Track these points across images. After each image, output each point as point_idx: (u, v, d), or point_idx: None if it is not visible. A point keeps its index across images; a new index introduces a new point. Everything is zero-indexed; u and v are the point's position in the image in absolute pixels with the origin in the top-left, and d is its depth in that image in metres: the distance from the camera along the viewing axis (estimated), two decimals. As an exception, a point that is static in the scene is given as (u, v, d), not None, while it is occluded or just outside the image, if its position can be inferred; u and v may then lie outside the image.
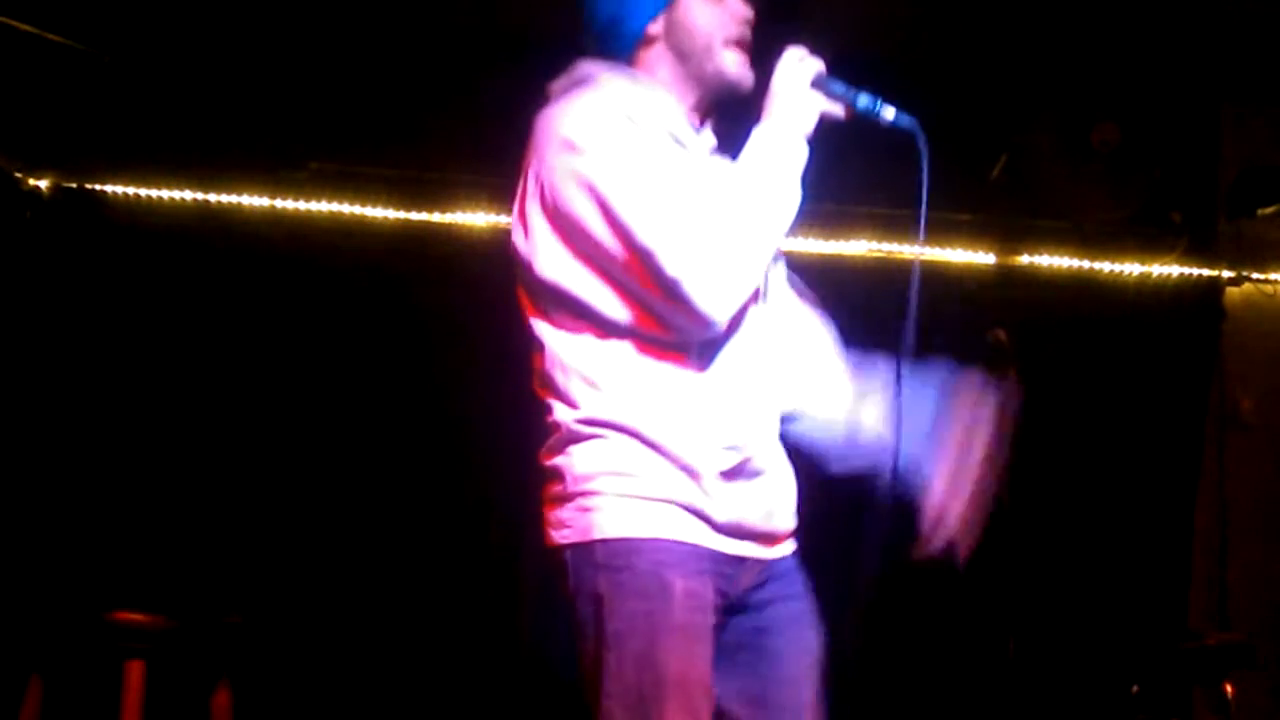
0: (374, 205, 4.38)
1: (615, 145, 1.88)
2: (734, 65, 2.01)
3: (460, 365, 4.35)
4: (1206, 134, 4.85)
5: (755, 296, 1.97)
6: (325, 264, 4.30)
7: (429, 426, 4.32)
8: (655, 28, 2.01)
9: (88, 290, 4.16)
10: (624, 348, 1.92)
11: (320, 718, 4.13)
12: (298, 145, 4.32)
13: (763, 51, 2.00)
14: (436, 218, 4.42)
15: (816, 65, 1.97)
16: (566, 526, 1.93)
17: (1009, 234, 4.69)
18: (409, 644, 4.21)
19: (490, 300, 4.33)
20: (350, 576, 4.18)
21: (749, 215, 1.89)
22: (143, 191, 4.27)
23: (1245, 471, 4.87)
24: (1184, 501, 4.80)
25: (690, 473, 1.89)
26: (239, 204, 4.30)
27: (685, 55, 2.01)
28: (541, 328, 1.98)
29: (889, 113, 1.95)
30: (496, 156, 4.32)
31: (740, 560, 1.95)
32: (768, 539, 2.00)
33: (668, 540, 1.88)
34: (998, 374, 2.12)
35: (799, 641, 2.02)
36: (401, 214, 4.40)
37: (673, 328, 1.89)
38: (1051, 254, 4.76)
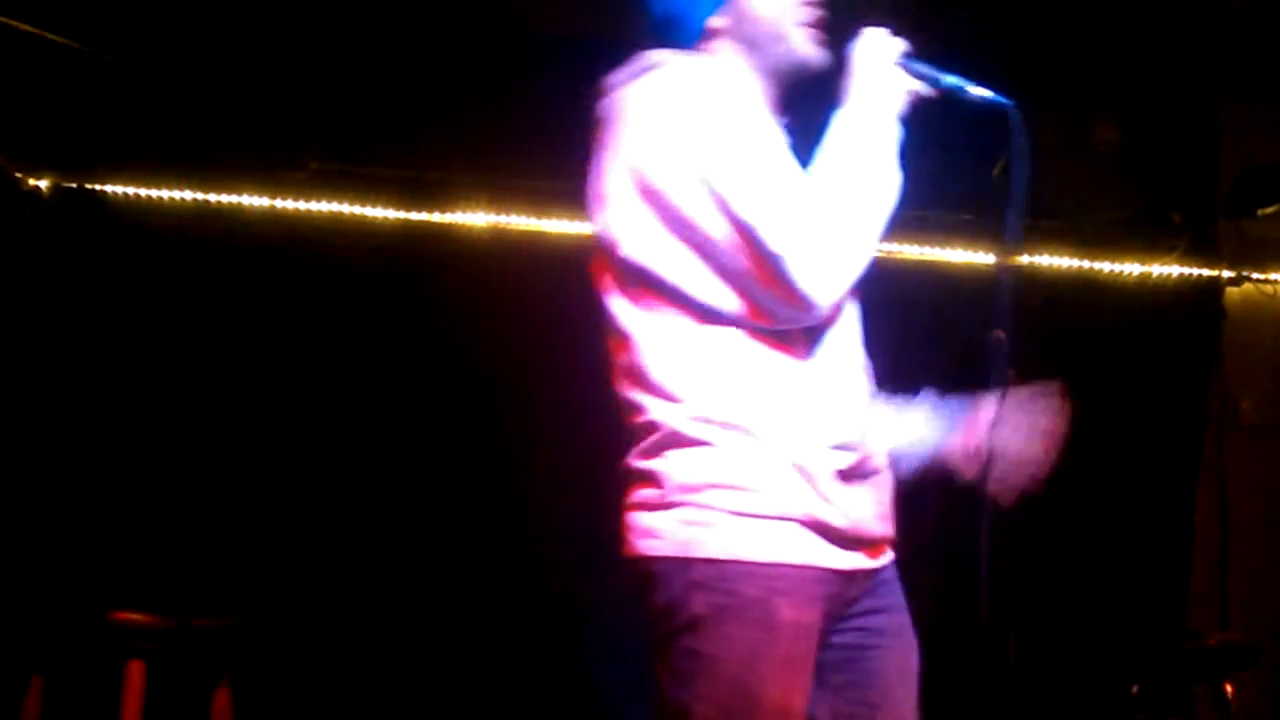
0: (374, 205, 4.38)
1: (710, 116, 1.78)
2: (806, 43, 1.91)
3: (460, 365, 4.35)
4: (1206, 134, 4.85)
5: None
6: (325, 264, 4.30)
7: (429, 426, 4.32)
8: (719, 21, 1.93)
9: (88, 290, 4.16)
10: (724, 337, 1.81)
11: (320, 718, 4.13)
12: (298, 145, 4.31)
13: (836, 39, 1.93)
14: (436, 218, 4.42)
15: (899, 44, 1.89)
16: (658, 537, 1.82)
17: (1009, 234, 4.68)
18: (409, 644, 4.21)
19: (490, 300, 4.39)
20: (350, 577, 4.18)
21: (853, 195, 1.77)
22: (143, 191, 4.26)
23: (1245, 471, 4.87)
24: (1184, 502, 4.80)
25: (807, 476, 1.79)
26: (239, 204, 4.30)
27: (754, 44, 1.92)
28: (629, 315, 1.86)
29: (978, 91, 1.87)
30: (496, 156, 4.39)
31: (851, 574, 1.85)
32: (878, 545, 1.91)
33: (781, 565, 1.77)
34: (998, 375, 2.12)
35: (897, 658, 1.94)
36: (401, 214, 4.40)
37: (772, 312, 1.78)
38: (1051, 254, 4.76)
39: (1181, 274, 4.87)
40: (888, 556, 1.94)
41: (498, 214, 4.40)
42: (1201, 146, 4.84)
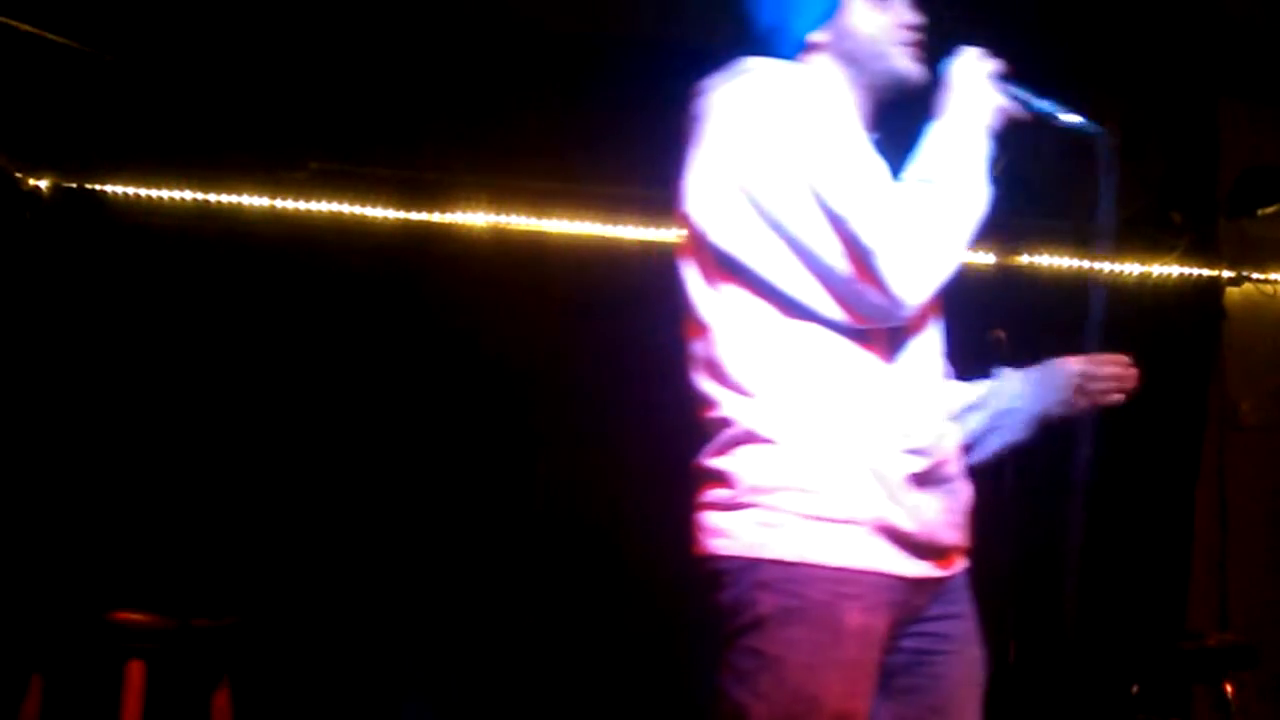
0: (374, 205, 4.38)
1: (808, 115, 1.81)
2: (905, 61, 1.95)
3: (460, 365, 4.35)
4: (1206, 134, 4.85)
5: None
6: (325, 264, 4.30)
7: (428, 426, 4.32)
8: (820, 35, 1.96)
9: (88, 290, 4.16)
10: (806, 333, 1.82)
11: (320, 718, 4.13)
12: (298, 145, 4.31)
13: (933, 56, 1.97)
14: (436, 218, 4.42)
15: (995, 64, 1.93)
16: (728, 537, 1.83)
17: (1009, 234, 4.69)
18: (409, 644, 4.21)
19: (490, 300, 4.39)
20: (350, 577, 4.18)
21: (944, 201, 1.80)
22: (143, 191, 4.26)
23: (1245, 471, 4.87)
24: (1184, 502, 4.80)
25: (880, 479, 1.80)
26: (239, 204, 4.30)
27: (854, 60, 1.96)
28: (710, 306, 1.88)
29: (1070, 117, 1.91)
30: (496, 156, 4.39)
31: (919, 582, 1.85)
32: (949, 553, 1.91)
33: (849, 569, 1.78)
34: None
35: (962, 665, 1.94)
36: (401, 214, 4.40)
37: (859, 308, 1.79)
38: (1051, 254, 4.76)
39: (1181, 274, 4.87)
40: (959, 565, 1.95)
41: (498, 214, 4.40)
42: (1201, 146, 4.84)
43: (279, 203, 4.32)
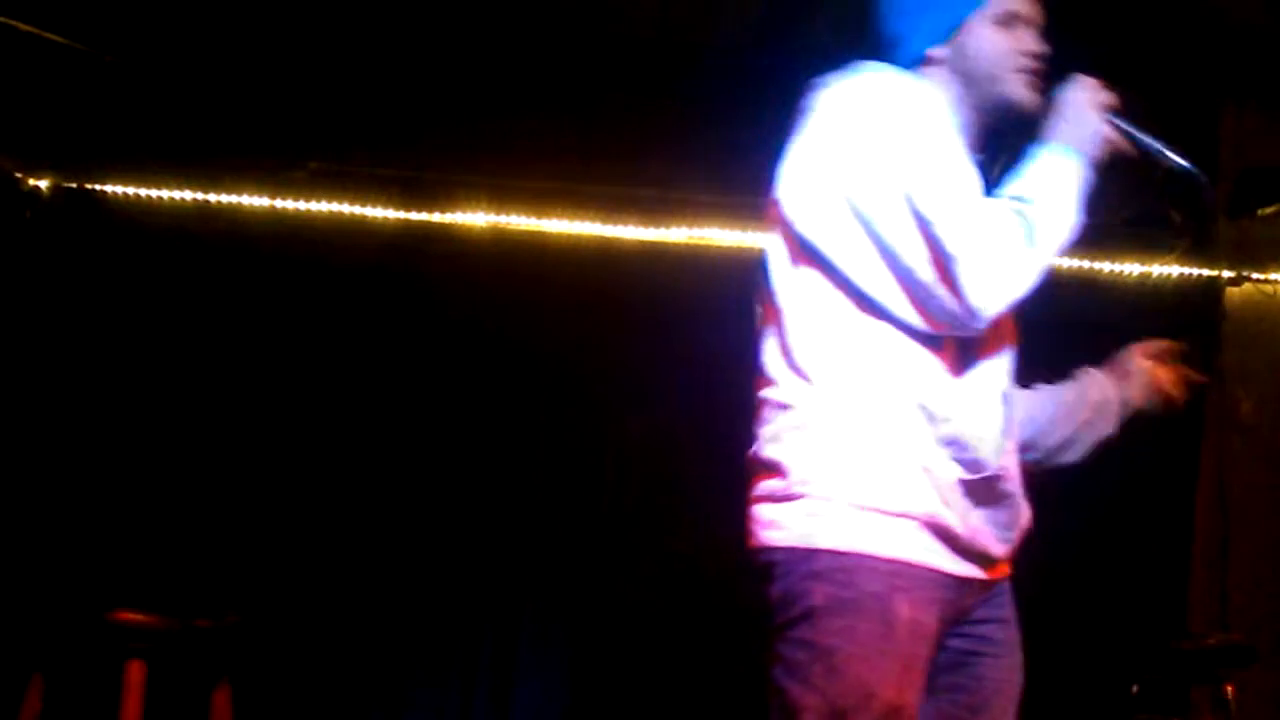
0: (374, 205, 4.38)
1: (910, 119, 1.83)
2: (1021, 88, 1.95)
3: (460, 365, 4.35)
4: (1206, 135, 4.85)
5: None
6: (325, 264, 4.30)
7: (428, 426, 4.32)
8: (939, 51, 1.97)
9: (88, 290, 4.17)
10: (877, 330, 1.83)
11: (320, 718, 4.13)
12: (298, 145, 4.31)
13: (1049, 85, 1.97)
14: (436, 218, 4.42)
15: (1109, 97, 1.93)
16: (781, 528, 1.83)
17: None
18: (409, 644, 4.21)
19: (490, 300, 4.39)
20: (350, 576, 4.19)
21: (1034, 222, 1.81)
22: (143, 191, 4.27)
23: (1245, 471, 4.86)
24: (1184, 502, 4.79)
25: (933, 480, 1.81)
26: (239, 204, 4.30)
27: (970, 80, 1.96)
28: (789, 290, 1.89)
29: (1177, 159, 1.92)
30: (496, 156, 4.39)
31: (967, 582, 1.86)
32: (996, 565, 1.92)
33: (901, 561, 1.79)
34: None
35: (1003, 669, 1.94)
36: (401, 214, 4.40)
37: (934, 313, 1.80)
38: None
39: (1181, 274, 4.87)
40: (1004, 573, 1.96)
41: (498, 214, 4.40)
42: (1201, 147, 4.84)
43: (279, 203, 4.32)
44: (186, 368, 4.18)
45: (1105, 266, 4.80)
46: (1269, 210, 4.73)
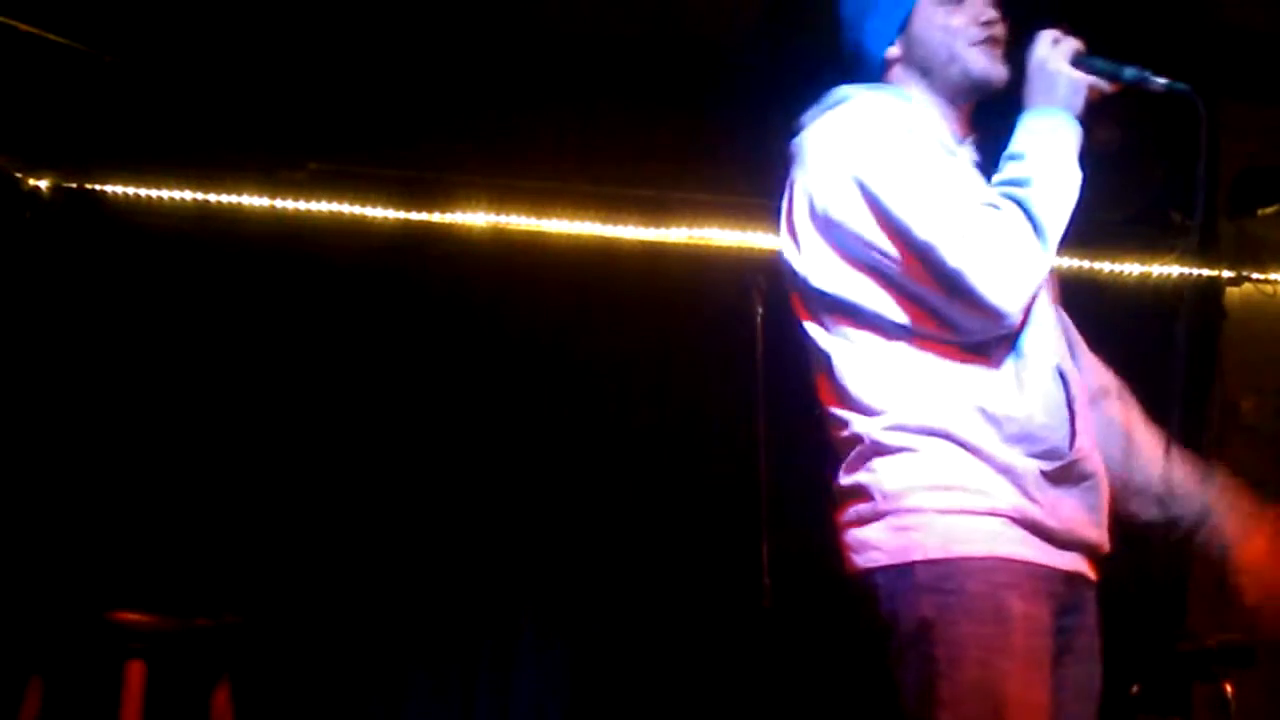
0: (374, 205, 4.38)
1: (883, 146, 1.83)
2: (980, 61, 1.93)
3: (460, 365, 4.35)
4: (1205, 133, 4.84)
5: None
6: (325, 264, 4.30)
7: (428, 426, 4.31)
8: (895, 50, 1.97)
9: (88, 290, 4.16)
10: (916, 352, 1.83)
11: (320, 718, 4.13)
12: (298, 145, 4.31)
13: (1015, 46, 1.94)
14: (436, 218, 4.42)
15: (1074, 43, 1.89)
16: (875, 549, 1.81)
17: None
18: (409, 644, 4.21)
19: (490, 300, 4.39)
20: (350, 576, 4.18)
21: (1034, 201, 1.79)
22: (143, 191, 4.26)
23: (1245, 471, 4.85)
24: (1184, 501, 4.78)
25: (1013, 479, 1.79)
26: (239, 204, 4.30)
27: (928, 69, 1.96)
28: (825, 340, 1.90)
29: (1160, 81, 1.87)
30: (496, 156, 4.39)
31: (1070, 576, 1.85)
32: (1097, 551, 1.91)
33: (1000, 557, 1.76)
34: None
35: (1081, 678, 1.91)
36: (401, 214, 4.40)
37: (961, 327, 1.81)
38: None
39: (1181, 274, 4.86)
40: (1098, 570, 1.94)
41: (498, 214, 4.40)
42: (1201, 147, 4.83)
43: (279, 203, 4.31)
44: (186, 368, 4.18)
45: (1105, 266, 4.80)
46: (1269, 210, 4.73)
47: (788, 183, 1.96)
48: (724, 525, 4.20)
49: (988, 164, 1.96)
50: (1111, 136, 4.47)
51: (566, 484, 4.38)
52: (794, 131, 2.00)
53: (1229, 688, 4.12)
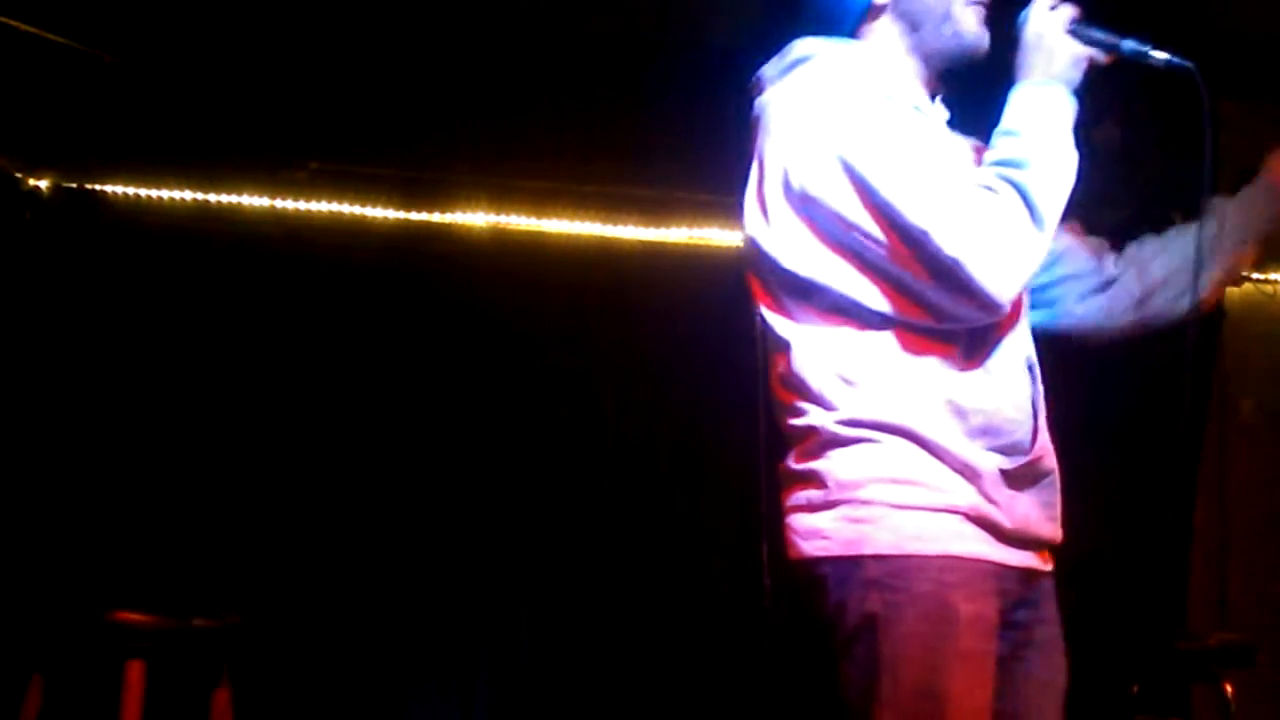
0: (374, 205, 4.38)
1: (867, 119, 1.73)
2: (974, 25, 1.85)
3: (460, 365, 4.35)
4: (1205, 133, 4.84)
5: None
6: (325, 264, 4.30)
7: (428, 426, 4.32)
8: None
9: (88, 290, 4.16)
10: (886, 341, 1.75)
11: (320, 718, 4.13)
12: (298, 145, 4.32)
13: (1002, 13, 1.86)
14: (436, 217, 4.42)
15: (1069, 12, 1.81)
16: (824, 537, 1.76)
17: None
18: (409, 644, 4.21)
19: (490, 300, 4.38)
20: (350, 576, 4.19)
21: (1030, 183, 1.70)
22: (143, 191, 4.27)
23: (1245, 471, 4.86)
24: (1184, 501, 4.79)
25: (971, 476, 1.74)
26: (239, 204, 4.30)
27: (918, 23, 1.85)
28: (786, 325, 1.81)
29: (1159, 54, 1.80)
30: (496, 156, 4.39)
31: (1025, 572, 1.81)
32: (1048, 548, 1.86)
33: (953, 556, 1.72)
34: None
35: (1044, 672, 1.87)
36: (401, 214, 4.40)
37: (949, 315, 1.73)
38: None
39: (1181, 274, 4.86)
40: (1051, 563, 1.90)
41: (498, 214, 4.40)
42: (1201, 147, 4.83)
43: (279, 203, 4.32)
44: (186, 368, 4.18)
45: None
46: (1269, 210, 4.72)
47: (754, 149, 1.85)
48: (724, 526, 4.20)
49: (956, 124, 1.89)
50: (1111, 136, 4.49)
51: (566, 484, 4.38)
52: (752, 88, 1.90)
53: (1229, 688, 4.12)
